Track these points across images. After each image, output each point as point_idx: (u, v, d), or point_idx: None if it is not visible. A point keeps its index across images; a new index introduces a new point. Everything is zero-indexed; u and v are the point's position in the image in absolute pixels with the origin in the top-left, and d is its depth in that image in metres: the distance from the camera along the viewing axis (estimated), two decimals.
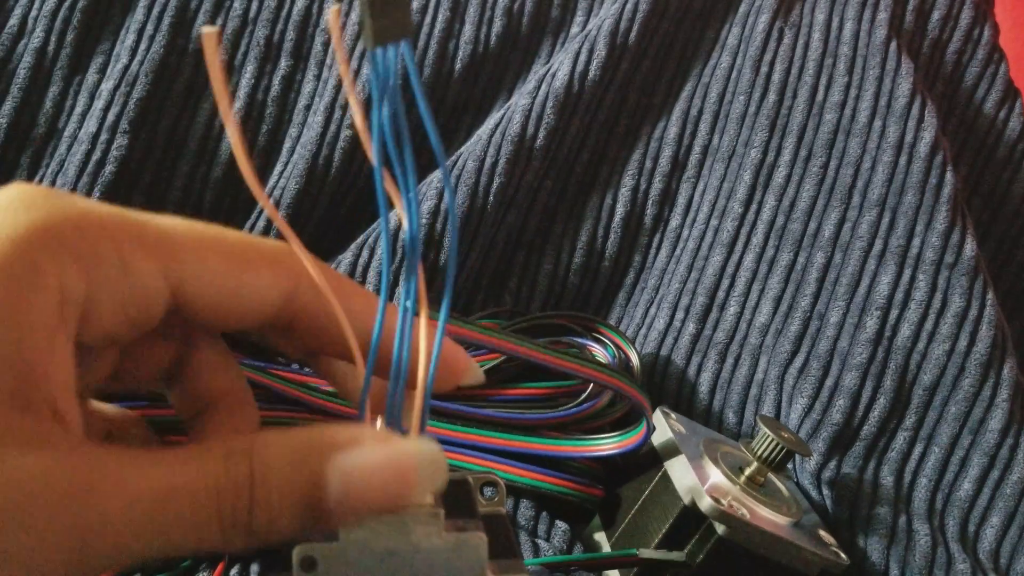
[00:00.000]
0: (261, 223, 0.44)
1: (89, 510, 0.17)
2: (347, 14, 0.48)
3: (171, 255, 0.19)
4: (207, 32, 0.19)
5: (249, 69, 0.46)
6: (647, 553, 0.33)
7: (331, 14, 0.19)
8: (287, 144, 0.46)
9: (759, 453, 0.36)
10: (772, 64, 0.49)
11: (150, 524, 0.17)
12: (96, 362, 0.21)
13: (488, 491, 0.27)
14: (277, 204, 0.44)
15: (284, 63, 0.47)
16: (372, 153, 0.19)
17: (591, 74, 0.47)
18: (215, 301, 0.20)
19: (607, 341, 0.41)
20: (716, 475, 0.35)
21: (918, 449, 0.43)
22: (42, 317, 0.17)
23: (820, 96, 0.49)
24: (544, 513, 0.38)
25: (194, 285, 0.20)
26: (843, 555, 0.36)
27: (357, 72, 0.47)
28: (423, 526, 0.23)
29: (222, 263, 0.20)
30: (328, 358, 0.23)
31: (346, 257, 0.43)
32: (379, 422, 0.20)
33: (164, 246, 0.19)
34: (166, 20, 0.46)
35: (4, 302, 0.17)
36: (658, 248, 0.49)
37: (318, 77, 0.47)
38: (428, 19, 0.48)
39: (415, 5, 0.48)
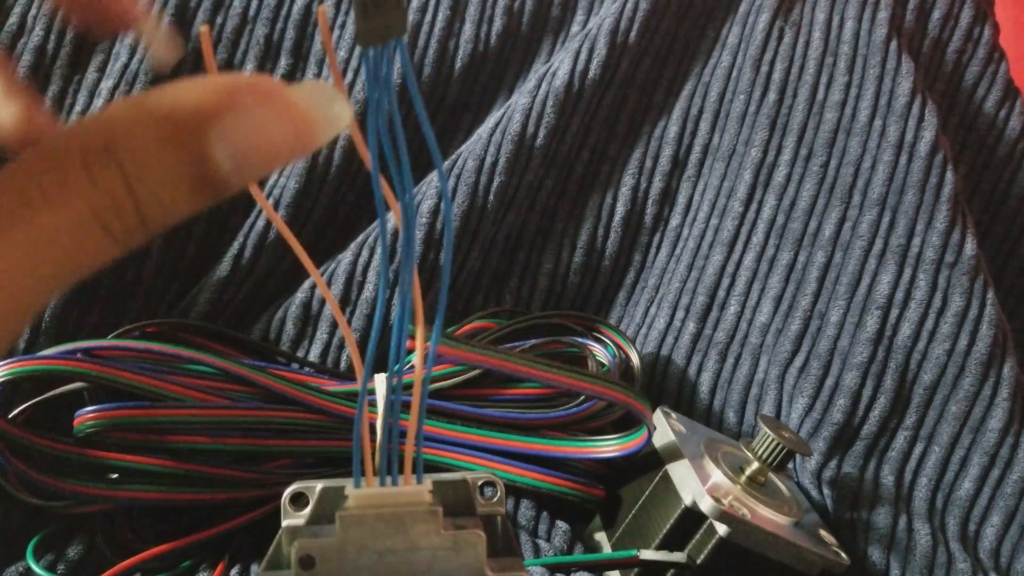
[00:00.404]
0: (260, 223, 0.44)
1: None
2: (347, 12, 0.48)
3: None
4: (203, 30, 0.19)
5: (248, 67, 0.46)
6: (648, 554, 0.33)
7: (320, 13, 0.19)
8: None
9: (759, 453, 0.36)
10: (772, 63, 0.49)
11: (37, 280, 0.16)
12: None
13: (487, 491, 0.27)
14: (276, 204, 0.44)
15: (284, 61, 0.47)
16: (367, 157, 0.19)
17: (591, 73, 0.47)
18: None
19: (607, 341, 0.41)
20: (717, 475, 0.35)
21: (919, 448, 0.43)
22: None
23: (820, 95, 0.49)
24: (544, 513, 0.38)
25: None
26: (844, 555, 0.36)
27: (357, 71, 0.47)
28: (421, 524, 0.23)
29: None
30: None
31: (346, 256, 0.43)
32: None
33: None
34: (166, 18, 0.46)
35: None
36: (658, 247, 0.49)
37: (318, 76, 0.47)
38: (428, 18, 0.48)
39: (415, 4, 0.48)
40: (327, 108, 0.17)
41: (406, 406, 0.23)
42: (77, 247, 0.16)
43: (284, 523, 0.23)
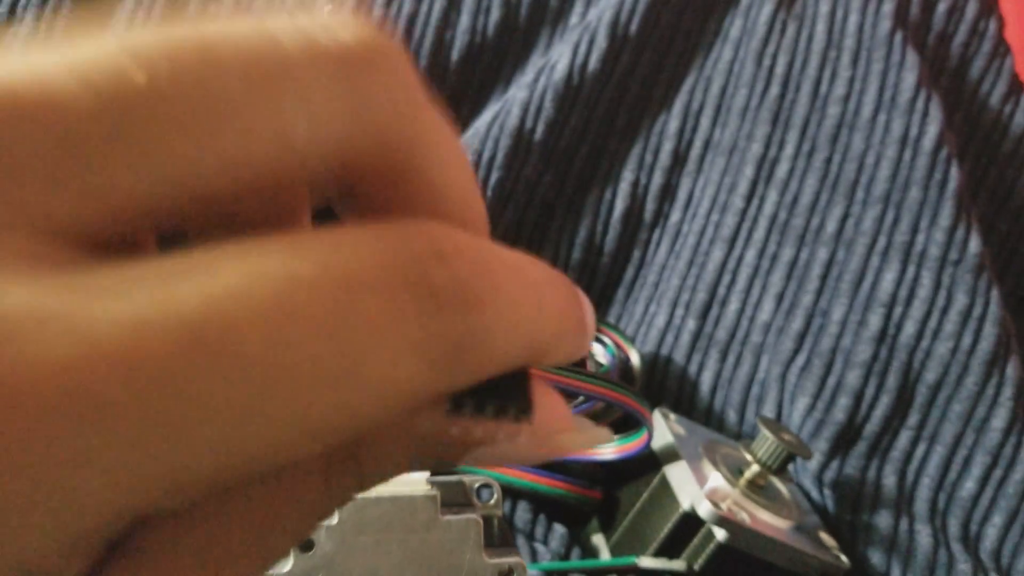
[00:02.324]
0: None
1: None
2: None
3: None
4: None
5: None
6: (646, 562, 0.33)
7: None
8: None
9: (759, 456, 0.36)
10: (775, 56, 0.49)
11: None
12: None
13: (484, 493, 0.27)
14: None
15: None
16: None
17: (591, 66, 0.47)
18: None
19: (607, 340, 0.41)
20: (715, 478, 0.35)
21: (921, 448, 0.42)
22: None
23: (823, 89, 0.48)
24: (542, 516, 0.37)
25: None
26: (844, 557, 0.36)
27: None
28: (419, 509, 0.23)
29: None
30: None
31: None
32: None
33: None
34: (158, 5, 0.45)
35: None
36: (658, 243, 0.48)
37: None
38: (424, 8, 0.47)
39: None
40: (589, 444, 0.15)
41: None
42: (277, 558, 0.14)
43: None
